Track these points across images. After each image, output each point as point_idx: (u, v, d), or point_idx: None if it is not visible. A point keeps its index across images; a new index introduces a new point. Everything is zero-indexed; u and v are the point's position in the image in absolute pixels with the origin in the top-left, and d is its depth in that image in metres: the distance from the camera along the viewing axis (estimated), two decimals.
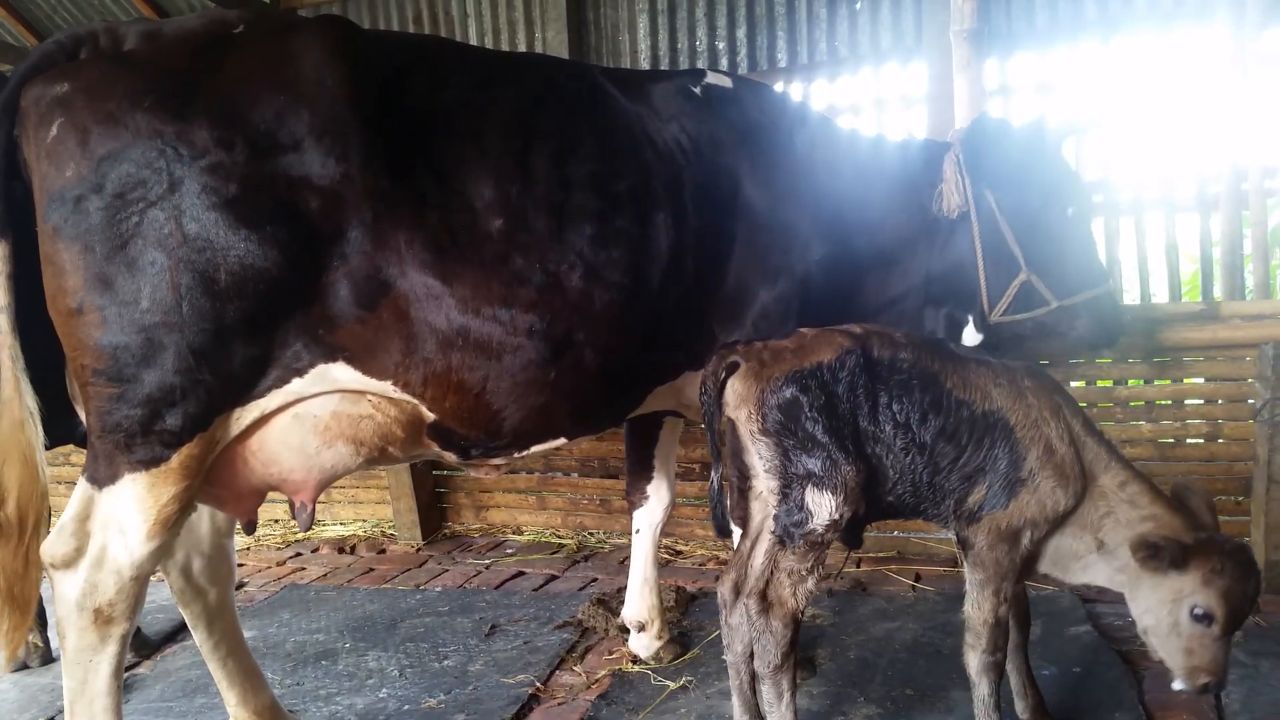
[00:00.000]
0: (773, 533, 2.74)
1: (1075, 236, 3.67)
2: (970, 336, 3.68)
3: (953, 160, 3.58)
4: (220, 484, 2.76)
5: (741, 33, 7.52)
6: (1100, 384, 4.97)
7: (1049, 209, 3.61)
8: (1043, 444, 2.65)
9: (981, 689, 2.76)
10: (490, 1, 8.15)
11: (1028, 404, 2.68)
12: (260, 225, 2.49)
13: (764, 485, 2.76)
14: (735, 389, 2.76)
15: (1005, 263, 3.55)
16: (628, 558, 4.88)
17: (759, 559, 2.80)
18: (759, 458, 2.73)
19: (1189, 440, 4.76)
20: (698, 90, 3.40)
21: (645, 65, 7.83)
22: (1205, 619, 2.52)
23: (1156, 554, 2.49)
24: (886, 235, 3.60)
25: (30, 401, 2.57)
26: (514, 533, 6.23)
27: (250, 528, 2.98)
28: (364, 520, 6.60)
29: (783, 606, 2.72)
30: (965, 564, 2.80)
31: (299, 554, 6.11)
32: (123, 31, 2.58)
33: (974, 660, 2.75)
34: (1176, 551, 2.49)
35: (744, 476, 2.83)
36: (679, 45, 7.72)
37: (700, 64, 7.64)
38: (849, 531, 2.83)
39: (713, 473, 2.89)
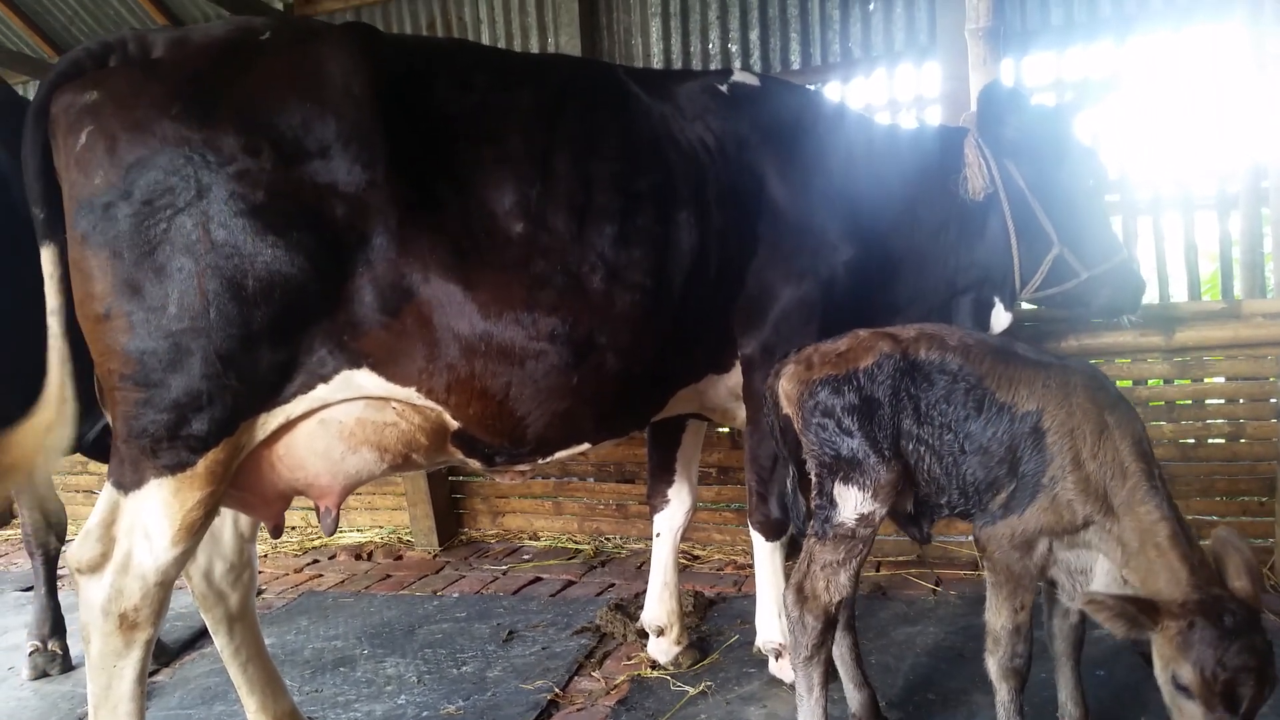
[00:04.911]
0: (812, 526, 2.80)
1: (1097, 206, 3.74)
2: (1000, 317, 3.69)
3: (972, 143, 3.59)
4: (247, 488, 2.77)
5: (754, 35, 7.49)
6: (1120, 384, 4.92)
7: (1072, 181, 3.64)
8: (1071, 454, 2.58)
9: (1002, 693, 2.74)
10: (503, 7, 8.15)
11: (1069, 411, 2.61)
12: (287, 232, 2.50)
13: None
14: (784, 390, 2.84)
15: (1038, 239, 3.59)
16: (645, 563, 4.87)
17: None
18: (807, 454, 2.80)
19: (1210, 440, 4.73)
20: (724, 89, 3.40)
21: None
22: (1186, 691, 2.26)
23: (1103, 612, 2.28)
24: (916, 229, 3.61)
25: (70, 409, 2.59)
26: (531, 538, 6.23)
27: (276, 531, 2.99)
28: (381, 527, 6.61)
29: (816, 600, 2.76)
30: (985, 569, 2.78)
31: (316, 561, 6.12)
32: (151, 39, 2.59)
33: (993, 665, 2.73)
34: (1129, 611, 2.26)
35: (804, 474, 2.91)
36: (692, 48, 7.71)
37: (713, 67, 7.63)
38: (914, 526, 2.89)
39: (785, 476, 2.99)
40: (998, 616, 2.70)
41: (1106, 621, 2.29)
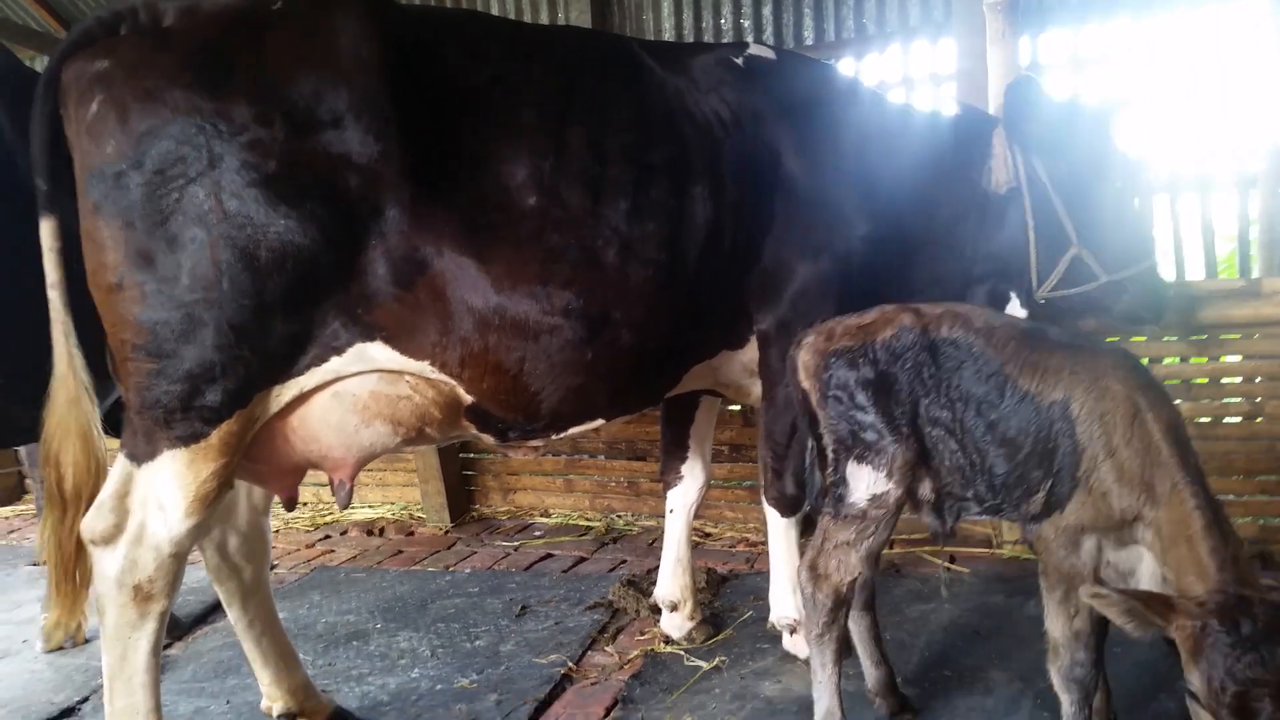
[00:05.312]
0: (827, 504, 2.77)
1: (1124, 210, 3.61)
2: (1015, 313, 3.64)
3: (1001, 135, 3.54)
4: (261, 460, 2.76)
5: (767, 10, 7.43)
6: None
7: (1098, 182, 3.55)
8: (1103, 442, 2.42)
9: (1065, 704, 2.59)
10: None
11: (1098, 397, 2.46)
12: (300, 202, 2.48)
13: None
14: (803, 362, 2.79)
15: (1056, 237, 3.51)
16: (656, 540, 4.86)
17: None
18: (824, 429, 2.76)
19: (1227, 419, 4.68)
20: (739, 61, 3.36)
21: None
22: (1197, 699, 2.08)
23: (1110, 608, 2.16)
24: (936, 213, 3.56)
25: (84, 377, 2.58)
26: (542, 515, 6.23)
27: (290, 504, 2.98)
28: (392, 503, 6.62)
29: (827, 579, 2.74)
30: (1039, 575, 2.66)
31: (328, 536, 6.13)
32: (162, 8, 2.56)
33: (1054, 675, 2.60)
34: (1136, 608, 2.12)
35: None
36: (704, 24, 7.65)
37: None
38: (936, 518, 2.78)
39: (804, 450, 2.94)
40: (1055, 623, 2.57)
41: (1115, 618, 2.18)
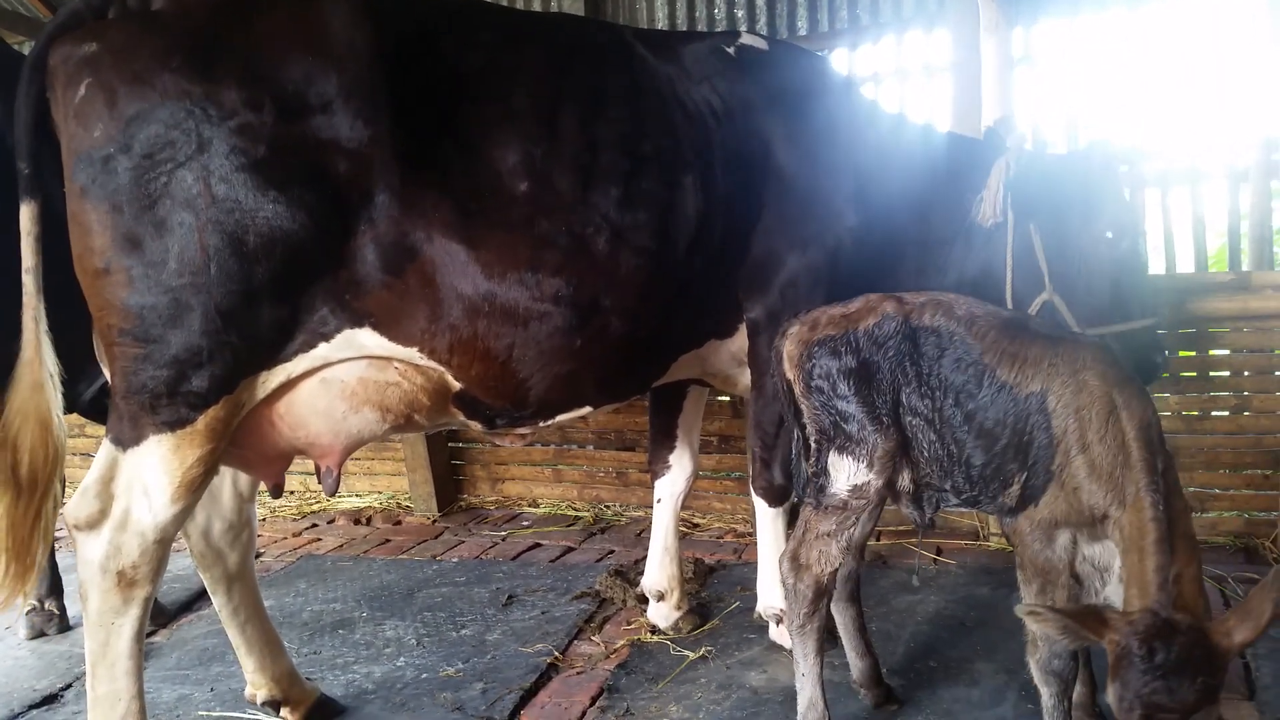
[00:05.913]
0: (808, 495, 2.76)
1: (1112, 265, 3.41)
2: None
3: (1000, 170, 3.45)
4: (248, 446, 2.75)
5: (760, 0, 7.43)
6: None
7: (1085, 233, 3.40)
8: (1077, 436, 2.39)
9: (1044, 698, 2.58)
10: None
11: (1075, 390, 2.43)
12: (289, 187, 2.46)
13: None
14: (787, 352, 2.78)
15: (1032, 279, 3.43)
16: (644, 530, 4.86)
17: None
18: (807, 419, 2.75)
19: (1214, 413, 4.70)
20: (731, 51, 3.34)
21: None
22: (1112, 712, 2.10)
23: (1045, 626, 2.14)
24: (925, 223, 3.54)
25: (51, 364, 2.55)
26: (530, 505, 6.21)
27: (277, 491, 2.97)
28: (380, 492, 6.60)
29: (808, 569, 2.73)
30: (1016, 567, 2.63)
31: (315, 525, 6.11)
32: None
33: (1033, 668, 2.57)
34: (1071, 626, 2.10)
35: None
36: (697, 14, 7.63)
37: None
38: (915, 508, 2.77)
39: (790, 440, 2.93)
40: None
41: (1053, 635, 2.16)
